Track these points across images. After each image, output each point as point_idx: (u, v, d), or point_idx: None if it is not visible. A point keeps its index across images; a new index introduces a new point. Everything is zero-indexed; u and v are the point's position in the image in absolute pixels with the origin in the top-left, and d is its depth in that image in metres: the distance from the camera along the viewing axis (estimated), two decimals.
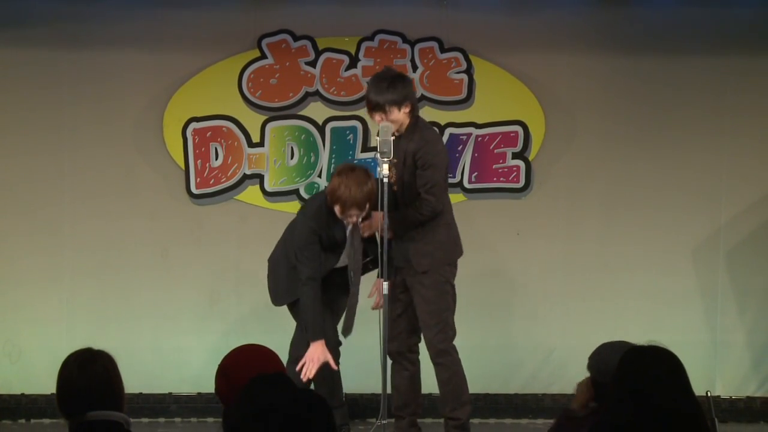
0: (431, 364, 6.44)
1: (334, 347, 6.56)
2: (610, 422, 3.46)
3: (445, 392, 6.40)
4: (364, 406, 7.66)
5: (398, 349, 6.48)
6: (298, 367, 6.31)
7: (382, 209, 6.07)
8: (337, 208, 6.27)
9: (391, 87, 6.28)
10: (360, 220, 6.32)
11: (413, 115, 6.34)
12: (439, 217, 6.33)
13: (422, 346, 6.51)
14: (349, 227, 6.38)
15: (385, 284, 6.32)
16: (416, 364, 6.54)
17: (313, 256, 6.37)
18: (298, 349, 6.48)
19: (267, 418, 3.07)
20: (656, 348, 3.53)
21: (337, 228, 6.38)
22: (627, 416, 3.40)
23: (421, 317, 6.37)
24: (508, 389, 7.79)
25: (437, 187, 6.29)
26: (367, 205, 6.25)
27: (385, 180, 6.17)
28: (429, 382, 6.59)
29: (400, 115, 6.29)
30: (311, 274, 6.37)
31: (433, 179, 6.28)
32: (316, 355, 6.34)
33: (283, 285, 6.60)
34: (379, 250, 6.21)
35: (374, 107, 6.30)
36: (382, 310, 6.28)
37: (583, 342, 7.69)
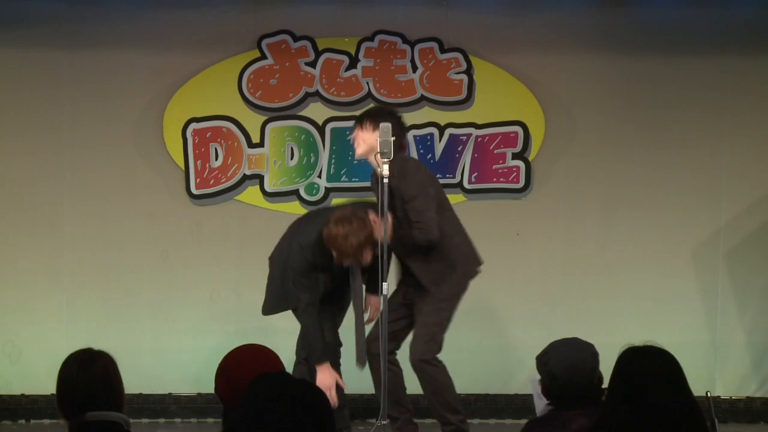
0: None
1: (335, 348, 6.56)
2: (607, 423, 3.46)
3: (433, 402, 6.41)
4: (363, 406, 7.66)
5: (376, 350, 6.46)
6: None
7: (382, 211, 6.06)
8: (333, 253, 6.26)
9: (376, 112, 6.40)
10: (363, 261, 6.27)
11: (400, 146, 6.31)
12: (445, 239, 6.31)
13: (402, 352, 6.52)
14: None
15: (385, 284, 6.32)
16: (398, 366, 6.53)
17: (311, 284, 6.36)
18: (305, 348, 6.49)
19: (268, 418, 3.07)
20: (653, 348, 3.53)
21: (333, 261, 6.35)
22: (624, 417, 3.40)
23: (414, 326, 6.40)
24: (508, 390, 7.79)
25: (425, 214, 6.23)
26: (365, 251, 6.18)
27: (386, 180, 6.17)
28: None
29: (369, 137, 6.28)
30: (310, 300, 6.36)
31: (417, 209, 6.23)
32: (326, 382, 6.34)
33: (275, 293, 6.57)
34: (379, 252, 6.21)
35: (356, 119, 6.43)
36: (381, 311, 6.27)
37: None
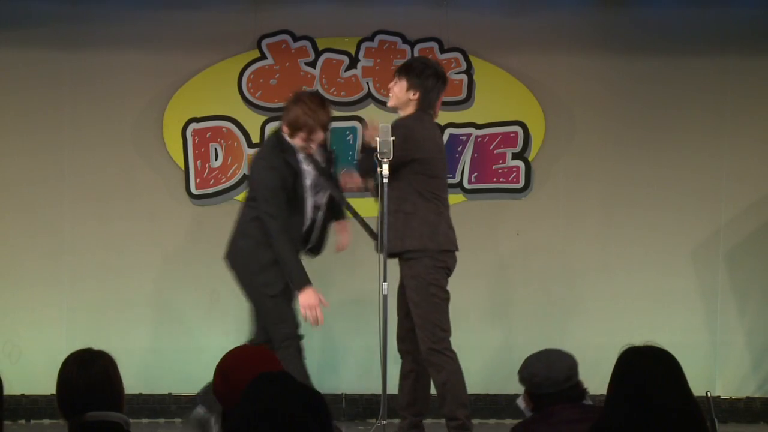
0: None
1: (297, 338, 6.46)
2: (608, 423, 3.46)
3: (442, 393, 6.38)
4: (364, 406, 7.67)
5: (407, 348, 6.45)
6: (304, 313, 6.28)
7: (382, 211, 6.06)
8: (300, 136, 6.24)
9: (418, 68, 6.33)
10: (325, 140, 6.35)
11: (418, 108, 6.32)
12: (399, 204, 6.26)
13: None
14: (309, 167, 6.34)
15: (385, 284, 6.32)
16: (422, 364, 6.50)
17: (280, 204, 6.29)
18: (262, 333, 6.41)
19: (268, 418, 3.07)
20: (653, 348, 3.53)
21: (296, 161, 6.33)
22: (625, 417, 3.40)
23: (413, 318, 6.37)
24: (508, 390, 7.77)
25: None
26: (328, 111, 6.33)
27: (386, 180, 6.17)
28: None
29: (403, 94, 6.30)
30: (282, 227, 6.29)
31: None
32: (310, 301, 6.27)
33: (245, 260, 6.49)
34: (379, 252, 6.21)
35: (397, 68, 6.41)
36: (381, 311, 6.27)
37: (584, 342, 7.73)
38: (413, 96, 6.30)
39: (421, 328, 6.30)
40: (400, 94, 6.34)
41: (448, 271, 6.36)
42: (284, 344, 6.32)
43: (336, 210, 6.69)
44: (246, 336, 6.47)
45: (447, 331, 6.34)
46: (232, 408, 3.70)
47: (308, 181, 6.41)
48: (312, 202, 6.46)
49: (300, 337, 6.41)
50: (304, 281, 6.30)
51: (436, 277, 6.29)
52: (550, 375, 4.02)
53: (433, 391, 6.49)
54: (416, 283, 6.28)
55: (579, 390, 4.03)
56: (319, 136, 6.31)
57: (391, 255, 6.30)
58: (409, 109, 6.35)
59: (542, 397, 4.05)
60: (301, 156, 6.33)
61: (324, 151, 6.50)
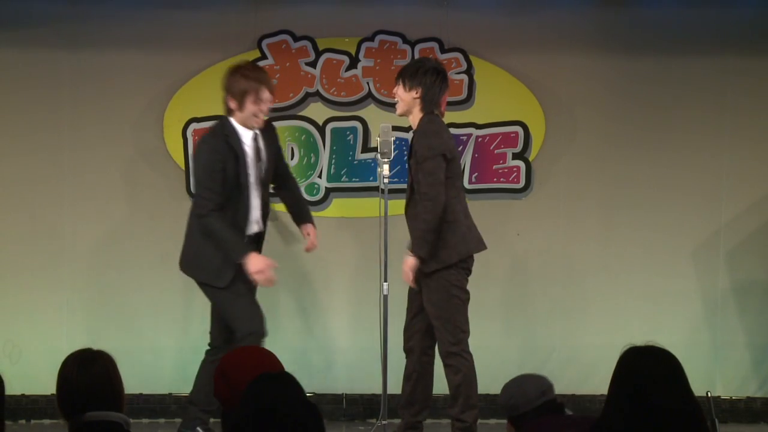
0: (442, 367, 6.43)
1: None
2: (608, 423, 3.46)
3: (455, 394, 6.38)
4: (364, 406, 7.67)
5: (411, 348, 6.45)
6: (256, 280, 6.23)
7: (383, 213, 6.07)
8: (250, 100, 6.24)
9: (414, 66, 6.38)
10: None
11: (425, 106, 6.31)
12: (443, 215, 6.28)
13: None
14: (251, 144, 6.33)
15: (385, 284, 6.33)
16: (428, 366, 6.50)
17: (216, 186, 6.27)
18: (218, 337, 6.40)
19: (269, 418, 3.07)
20: (654, 348, 3.53)
21: (239, 143, 6.32)
22: (625, 417, 3.40)
23: (431, 319, 6.36)
24: None
25: (432, 177, 6.20)
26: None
27: (386, 180, 6.18)
28: (438, 382, 6.58)
29: (406, 95, 6.30)
30: (215, 207, 6.27)
31: (425, 173, 6.21)
32: (258, 266, 6.24)
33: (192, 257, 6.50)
34: (381, 252, 6.21)
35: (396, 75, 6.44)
36: (381, 311, 6.27)
37: (584, 342, 7.72)
38: (416, 95, 6.31)
39: (441, 329, 6.29)
40: (404, 96, 6.35)
41: (469, 271, 6.38)
42: (244, 341, 6.26)
43: (298, 212, 6.65)
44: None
45: (466, 332, 6.36)
46: (232, 408, 3.71)
47: (252, 169, 6.35)
48: (258, 188, 6.40)
49: (262, 335, 6.33)
50: (242, 251, 6.25)
51: (459, 279, 6.31)
52: (523, 393, 4.09)
53: (444, 390, 6.48)
54: (438, 285, 6.27)
55: (555, 404, 4.08)
56: (267, 95, 6.33)
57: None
58: (416, 111, 6.35)
59: (521, 419, 4.09)
60: (246, 140, 6.29)
61: (274, 145, 6.49)
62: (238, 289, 6.35)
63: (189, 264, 6.51)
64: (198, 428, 6.42)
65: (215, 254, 6.33)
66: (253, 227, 6.46)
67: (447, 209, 6.26)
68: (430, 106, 6.31)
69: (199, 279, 6.50)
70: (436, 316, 6.29)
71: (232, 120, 6.38)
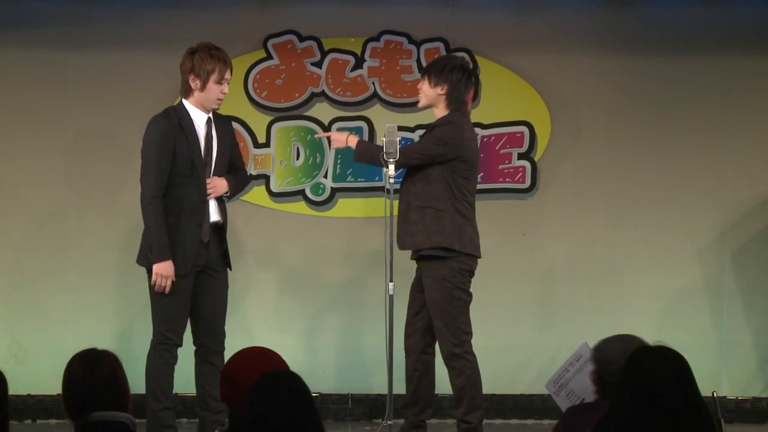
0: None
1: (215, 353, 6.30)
2: (614, 421, 3.46)
3: (459, 396, 6.37)
4: (370, 406, 7.67)
5: (411, 346, 6.45)
6: (154, 279, 6.13)
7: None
8: (213, 80, 6.18)
9: (441, 62, 6.40)
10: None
11: (450, 103, 6.31)
12: (429, 201, 6.27)
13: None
14: (204, 127, 6.25)
15: (391, 284, 6.32)
16: (429, 365, 6.49)
17: (161, 171, 6.15)
18: (165, 328, 6.25)
19: (274, 418, 3.07)
20: (663, 348, 3.53)
21: (191, 125, 6.22)
22: (632, 415, 3.40)
23: (432, 320, 6.35)
24: (514, 390, 7.79)
25: (419, 152, 6.28)
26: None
27: (391, 180, 6.17)
28: (441, 383, 6.58)
29: (430, 91, 6.30)
30: (156, 192, 6.16)
31: (421, 144, 6.30)
32: (166, 271, 6.13)
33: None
34: (386, 252, 6.21)
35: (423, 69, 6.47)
36: (387, 310, 6.27)
37: (589, 342, 7.69)
38: (441, 91, 6.31)
39: (444, 330, 6.28)
40: (428, 91, 6.35)
41: (472, 273, 6.37)
42: (153, 345, 6.22)
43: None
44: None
45: (469, 333, 6.35)
46: (237, 409, 3.71)
47: (204, 152, 6.24)
48: (212, 173, 6.27)
49: (177, 345, 6.25)
50: (165, 254, 6.13)
51: (462, 280, 6.29)
52: (621, 354, 3.98)
53: (449, 390, 6.47)
54: (440, 286, 6.25)
55: None
56: (229, 75, 6.26)
57: (413, 251, 6.29)
58: (441, 107, 6.35)
59: (611, 386, 4.00)
60: (199, 123, 6.24)
61: (229, 134, 6.41)
62: (176, 292, 6.19)
63: (143, 260, 6.36)
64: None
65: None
66: (211, 215, 6.28)
67: (438, 198, 6.25)
68: (455, 103, 6.32)
69: (138, 261, 6.37)
70: (438, 318, 6.29)
71: (187, 102, 6.30)
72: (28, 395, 7.59)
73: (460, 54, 7.72)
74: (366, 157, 6.45)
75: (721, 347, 7.81)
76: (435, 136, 6.28)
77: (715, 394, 4.66)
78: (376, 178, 7.62)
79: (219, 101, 6.28)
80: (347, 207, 7.77)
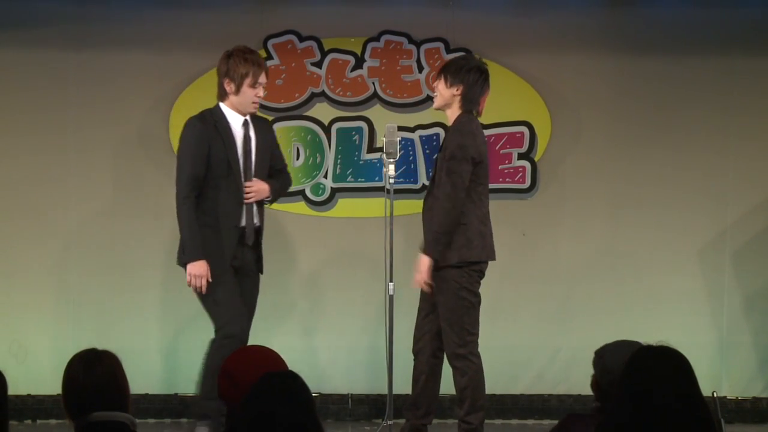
0: (449, 368, 6.42)
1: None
2: (615, 422, 3.46)
3: (462, 397, 6.37)
4: (370, 406, 7.67)
5: (422, 350, 6.43)
6: (189, 280, 6.11)
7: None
8: (247, 83, 6.17)
9: (458, 63, 6.37)
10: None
11: (464, 104, 6.30)
12: (463, 216, 6.26)
13: None
14: (241, 131, 6.24)
15: (391, 285, 6.32)
16: (436, 368, 6.48)
17: (195, 172, 6.14)
18: (226, 323, 6.22)
19: (270, 418, 3.07)
20: (665, 348, 3.52)
21: (227, 128, 6.22)
22: (633, 416, 3.40)
23: (440, 320, 6.35)
24: (515, 390, 7.79)
25: (455, 178, 6.17)
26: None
27: (391, 181, 6.17)
28: (445, 382, 6.57)
29: (446, 91, 6.28)
30: (187, 194, 6.16)
31: (450, 172, 6.18)
32: (200, 271, 6.12)
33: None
34: (386, 252, 6.21)
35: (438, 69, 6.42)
36: (387, 311, 6.27)
37: (589, 342, 7.68)
38: (456, 91, 6.30)
39: (449, 331, 6.28)
40: (444, 92, 6.33)
41: (482, 275, 6.37)
42: (221, 343, 6.19)
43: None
44: (251, 336, 6.45)
45: (475, 334, 6.34)
46: (236, 408, 3.71)
47: (241, 155, 6.23)
48: (250, 177, 6.27)
49: (241, 340, 6.19)
50: (195, 255, 6.13)
51: (471, 281, 6.29)
52: (621, 360, 3.97)
53: (449, 390, 6.47)
54: (447, 286, 6.25)
55: None
56: (264, 78, 6.27)
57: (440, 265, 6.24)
58: (455, 107, 6.33)
59: (608, 394, 4.01)
60: (235, 127, 6.22)
61: (268, 137, 6.39)
62: (220, 277, 6.19)
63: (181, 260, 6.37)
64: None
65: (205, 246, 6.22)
66: (252, 219, 6.30)
67: (462, 212, 6.23)
68: (469, 105, 6.31)
69: (179, 262, 6.36)
70: (444, 318, 6.28)
71: (223, 105, 6.32)
72: (28, 395, 7.59)
73: (459, 54, 7.72)
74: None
75: (721, 347, 7.81)
76: (454, 155, 6.19)
77: (715, 394, 4.67)
78: (376, 179, 7.61)
79: (254, 105, 6.30)
80: (347, 207, 7.77)
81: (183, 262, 6.22)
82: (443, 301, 6.26)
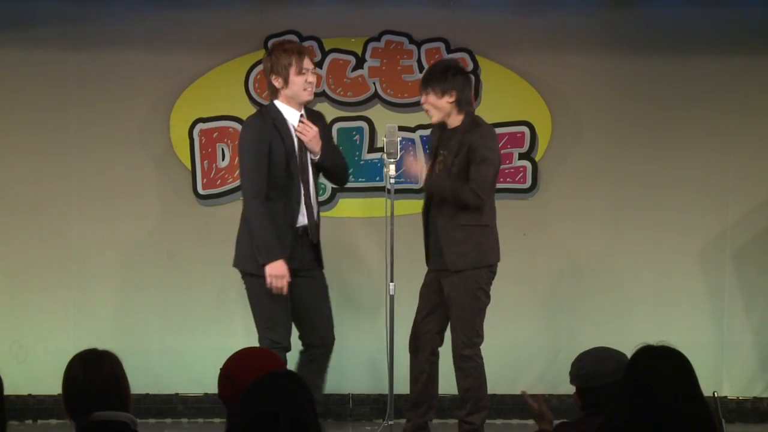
0: (450, 368, 6.41)
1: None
2: (616, 422, 3.46)
3: (465, 397, 6.38)
4: (371, 406, 7.67)
5: (421, 347, 6.44)
6: (270, 282, 5.98)
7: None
8: (293, 72, 6.11)
9: (438, 72, 6.31)
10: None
11: (462, 108, 6.29)
12: (478, 218, 6.26)
13: (443, 349, 6.48)
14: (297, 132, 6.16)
15: (392, 285, 6.32)
16: (435, 367, 6.49)
17: (260, 171, 6.02)
18: (267, 328, 6.14)
19: (269, 419, 3.07)
20: (666, 348, 3.53)
21: (285, 124, 6.15)
22: (634, 416, 3.40)
23: (450, 319, 6.35)
24: (516, 390, 7.77)
25: (487, 183, 6.22)
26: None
27: (392, 181, 6.17)
28: (446, 383, 6.58)
29: (440, 102, 6.27)
30: (256, 193, 6.02)
31: (484, 175, 6.20)
32: (279, 271, 5.98)
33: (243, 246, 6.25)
34: (387, 252, 6.21)
35: (420, 85, 6.36)
36: (388, 311, 6.27)
37: (590, 342, 7.66)
38: (451, 99, 6.28)
39: (459, 330, 6.29)
40: (439, 103, 6.30)
41: (494, 275, 6.39)
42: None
43: (337, 177, 6.46)
44: (252, 336, 6.43)
45: (481, 337, 6.37)
46: (236, 408, 3.70)
47: (300, 153, 6.15)
48: (309, 174, 6.20)
49: (286, 348, 6.14)
50: (274, 254, 5.99)
51: (488, 282, 6.34)
52: (597, 367, 4.03)
53: (450, 390, 6.47)
54: (465, 286, 6.25)
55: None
56: (309, 64, 6.19)
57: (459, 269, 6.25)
58: (455, 113, 6.32)
59: (588, 393, 4.03)
60: (293, 122, 6.17)
61: (322, 130, 6.29)
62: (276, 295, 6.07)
63: (240, 260, 6.21)
64: None
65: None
66: (314, 216, 6.18)
67: (484, 213, 6.26)
68: (466, 106, 6.32)
69: (234, 265, 6.25)
70: (456, 317, 6.29)
71: (278, 102, 6.21)
72: (29, 395, 7.59)
73: (460, 54, 7.73)
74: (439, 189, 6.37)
75: (721, 347, 7.81)
76: (486, 157, 6.21)
77: (716, 394, 4.66)
78: (377, 178, 7.61)
79: (307, 92, 6.19)
80: (347, 207, 7.77)
81: (261, 264, 5.99)
82: (459, 301, 6.26)
